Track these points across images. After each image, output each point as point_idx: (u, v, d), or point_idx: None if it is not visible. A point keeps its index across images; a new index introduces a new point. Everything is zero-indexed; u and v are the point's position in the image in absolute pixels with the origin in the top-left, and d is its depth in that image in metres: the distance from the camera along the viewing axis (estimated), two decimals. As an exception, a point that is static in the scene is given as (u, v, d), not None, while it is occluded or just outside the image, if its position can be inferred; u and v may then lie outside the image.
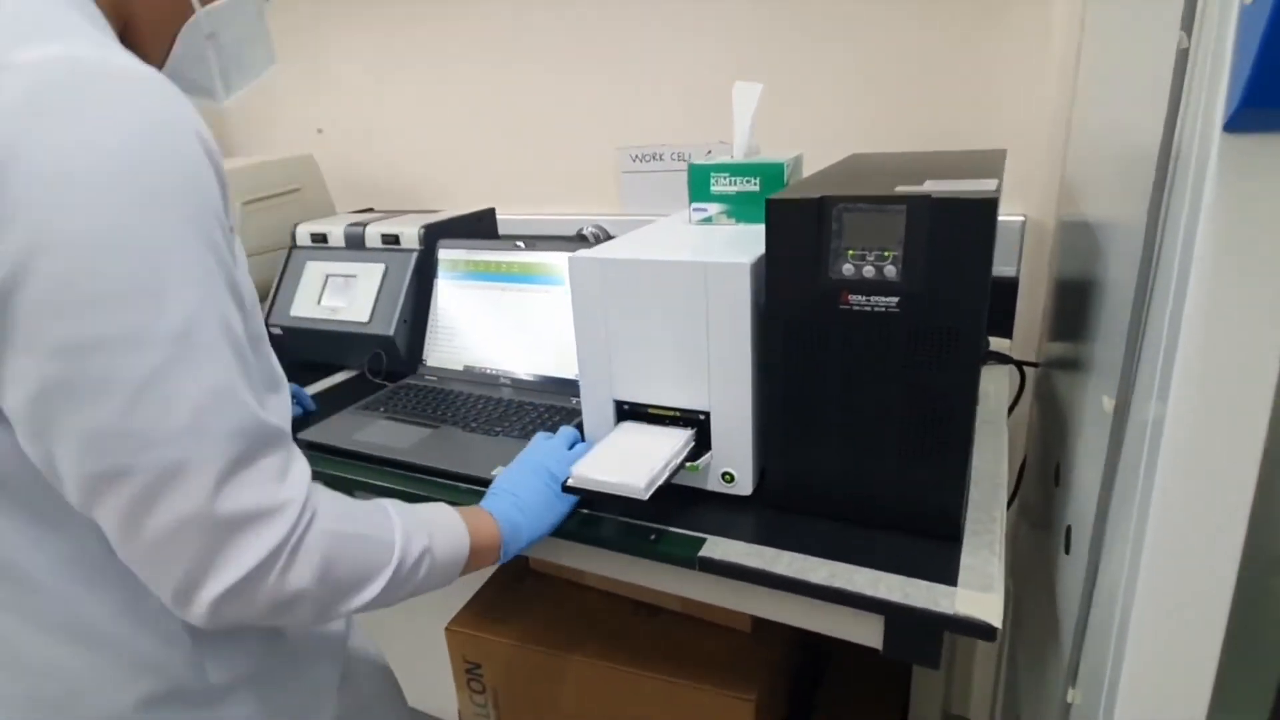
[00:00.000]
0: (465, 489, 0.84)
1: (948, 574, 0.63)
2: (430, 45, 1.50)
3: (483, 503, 0.71)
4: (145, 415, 0.45)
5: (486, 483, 0.81)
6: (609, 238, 1.42)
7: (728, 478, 0.75)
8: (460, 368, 1.12)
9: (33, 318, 0.44)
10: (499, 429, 0.94)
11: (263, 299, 1.33)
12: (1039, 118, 1.08)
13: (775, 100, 1.25)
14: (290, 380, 1.18)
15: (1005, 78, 1.08)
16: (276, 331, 1.24)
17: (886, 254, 0.61)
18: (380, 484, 0.87)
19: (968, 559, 0.65)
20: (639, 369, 0.75)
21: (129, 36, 0.58)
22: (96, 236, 0.44)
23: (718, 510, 0.75)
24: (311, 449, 0.96)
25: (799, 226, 0.63)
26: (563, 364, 1.03)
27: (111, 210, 0.44)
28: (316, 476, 0.92)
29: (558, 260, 1.05)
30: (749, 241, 0.76)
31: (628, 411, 0.78)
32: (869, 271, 0.62)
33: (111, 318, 0.44)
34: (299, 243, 1.28)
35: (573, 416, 0.96)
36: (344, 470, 0.91)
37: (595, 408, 0.80)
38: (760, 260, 0.68)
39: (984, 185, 0.61)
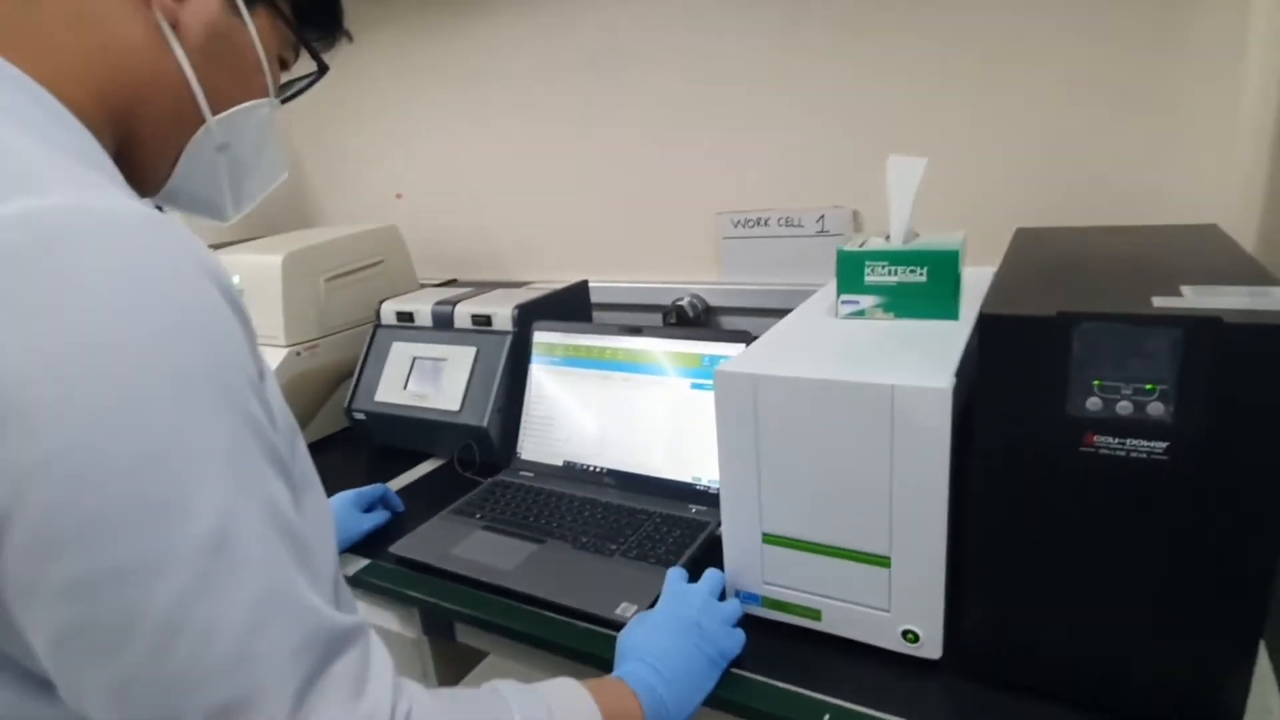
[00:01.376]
0: (593, 630, 0.72)
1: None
2: (513, 104, 1.44)
3: (619, 670, 0.60)
4: (182, 653, 0.35)
5: (614, 624, 0.70)
6: (707, 309, 1.32)
7: (911, 637, 0.62)
8: (559, 463, 1.01)
9: (27, 559, 0.34)
10: (614, 546, 0.83)
11: (344, 378, 1.26)
12: (1231, 185, 0.93)
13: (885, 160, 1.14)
14: (373, 472, 1.11)
15: (1185, 139, 0.94)
16: (360, 417, 1.16)
17: (1150, 388, 0.48)
18: (483, 616, 0.77)
19: (1260, 773, 0.50)
20: (797, 501, 0.63)
21: (128, 152, 0.49)
22: (94, 444, 0.34)
23: (898, 675, 0.62)
24: (406, 566, 0.86)
25: (1024, 349, 0.51)
26: (676, 463, 0.92)
27: (111, 404, 0.34)
28: (410, 601, 0.83)
29: (665, 347, 0.94)
30: (925, 345, 0.64)
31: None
32: (1124, 408, 0.49)
33: (124, 542, 0.34)
34: (384, 321, 1.21)
35: (693, 529, 0.84)
36: (442, 595, 0.80)
37: (740, 539, 0.68)
38: (957, 377, 0.55)
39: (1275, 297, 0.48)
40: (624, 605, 0.72)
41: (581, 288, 1.23)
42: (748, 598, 0.69)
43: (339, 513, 0.89)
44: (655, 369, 0.96)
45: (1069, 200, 1.03)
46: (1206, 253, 0.63)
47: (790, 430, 0.61)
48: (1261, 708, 0.53)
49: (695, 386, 0.92)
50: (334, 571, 0.52)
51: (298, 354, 1.20)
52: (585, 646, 0.70)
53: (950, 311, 0.71)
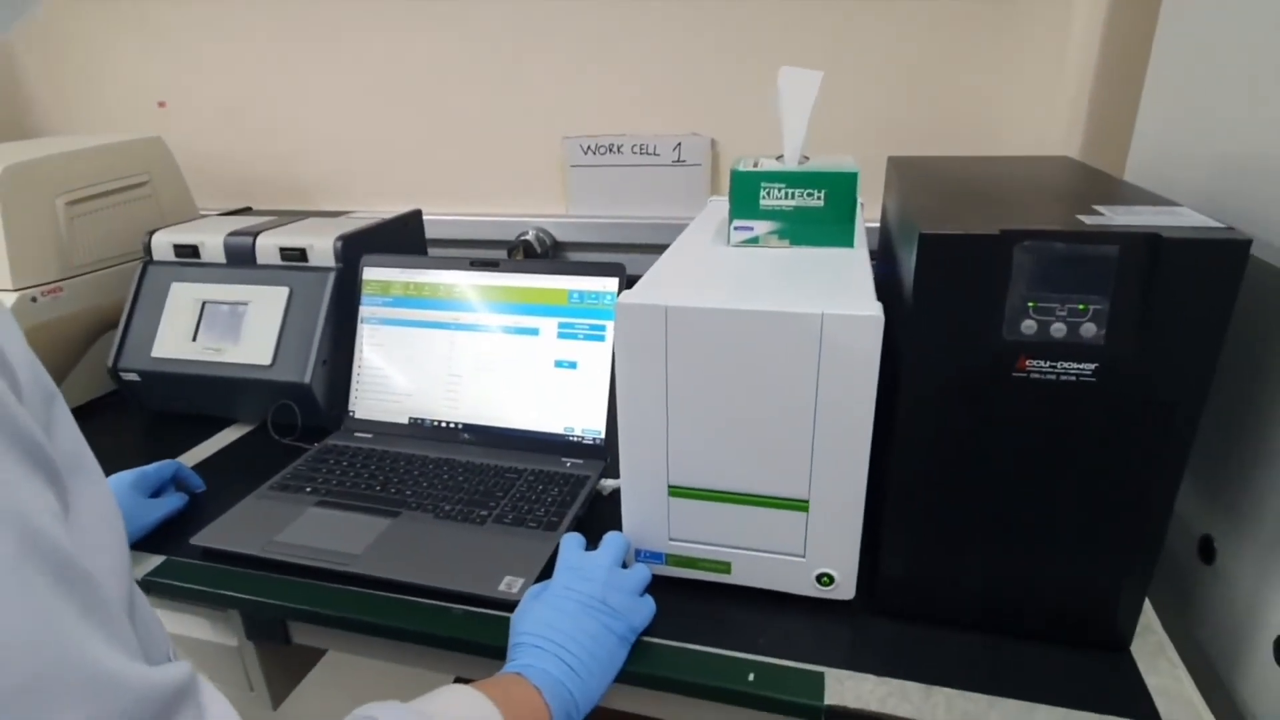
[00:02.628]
0: (470, 613, 0.62)
1: (1138, 704, 0.50)
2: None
3: (517, 662, 0.50)
4: None
5: (499, 603, 0.60)
6: (555, 245, 1.21)
7: (825, 580, 0.59)
8: (403, 420, 0.87)
9: None
10: (484, 512, 0.72)
11: (103, 330, 1.00)
12: (1055, 121, 0.98)
13: (748, 87, 1.08)
14: (153, 448, 0.89)
15: (1017, 79, 0.98)
16: (132, 378, 0.93)
17: (1083, 308, 0.46)
18: (329, 610, 0.63)
19: (1152, 679, 0.52)
20: (709, 447, 0.57)
21: None
22: None
23: (815, 621, 0.59)
24: (216, 559, 0.69)
25: (963, 271, 0.47)
26: (544, 414, 0.82)
27: None
28: (225, 602, 0.67)
29: (525, 283, 0.83)
30: (834, 274, 0.59)
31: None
32: (1058, 330, 0.47)
33: None
34: (157, 256, 0.97)
35: (572, 486, 0.75)
36: (271, 593, 0.65)
37: (642, 495, 0.60)
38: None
39: (1196, 219, 0.48)
40: (508, 580, 0.62)
41: (414, 218, 1.07)
42: (650, 556, 0.63)
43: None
44: (515, 308, 0.84)
45: (917, 132, 1.04)
46: (1089, 178, 0.65)
47: (706, 369, 0.54)
48: (1144, 627, 0.56)
49: (564, 327, 0.82)
50: (128, 590, 0.37)
51: (33, 300, 0.92)
52: (467, 633, 0.60)
53: (846, 238, 0.67)
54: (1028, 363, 0.48)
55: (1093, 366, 0.47)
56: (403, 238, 1.05)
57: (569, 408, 0.81)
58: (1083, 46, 0.93)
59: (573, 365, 0.81)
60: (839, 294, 0.54)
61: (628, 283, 0.81)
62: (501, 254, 1.19)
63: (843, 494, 0.55)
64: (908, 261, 0.51)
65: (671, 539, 0.61)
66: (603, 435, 0.80)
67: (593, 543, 0.62)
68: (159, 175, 1.11)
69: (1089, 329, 0.47)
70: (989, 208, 0.55)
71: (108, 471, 0.75)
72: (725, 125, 1.11)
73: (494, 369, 0.84)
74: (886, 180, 0.83)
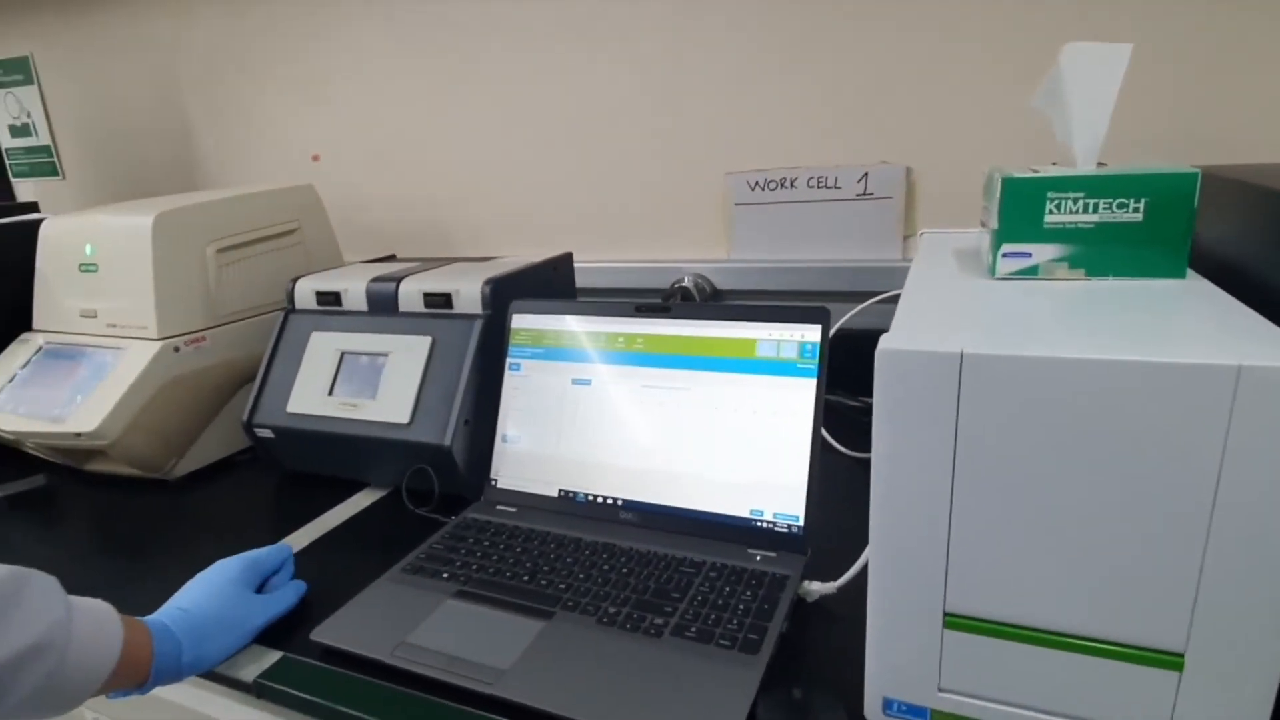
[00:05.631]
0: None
1: None
2: (460, 42, 1.15)
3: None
4: None
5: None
6: (715, 292, 1.07)
7: (1205, 781, 0.38)
8: (552, 493, 0.74)
9: None
10: (661, 620, 0.56)
11: (245, 383, 0.95)
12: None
13: (949, 105, 0.90)
14: (284, 511, 0.80)
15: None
16: (266, 434, 0.85)
17: None
18: (471, 747, 0.49)
19: None
20: (1016, 561, 0.39)
21: None
22: None
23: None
24: (339, 661, 0.56)
25: None
26: (725, 492, 0.66)
27: None
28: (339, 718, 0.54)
29: (703, 332, 0.69)
30: (1198, 315, 0.41)
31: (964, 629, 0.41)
32: None
33: None
34: (299, 304, 0.90)
35: (768, 587, 0.58)
36: (393, 710, 0.52)
37: (900, 622, 0.42)
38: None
39: None
40: (706, 729, 0.46)
41: (565, 261, 0.96)
42: (908, 711, 0.44)
43: (216, 601, 0.58)
44: (690, 361, 0.69)
45: (1201, 142, 0.83)
46: None
47: (1020, 446, 0.37)
48: None
49: (751, 385, 0.66)
50: None
51: (176, 350, 0.88)
52: (652, 806, 0.43)
53: (1175, 267, 0.48)
54: None
55: None
56: (553, 284, 0.94)
57: (757, 486, 0.65)
58: None
59: (762, 433, 0.65)
60: (1240, 338, 0.36)
61: (831, 336, 0.65)
62: (656, 303, 1.06)
63: (1246, 645, 0.35)
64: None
65: (943, 690, 0.43)
66: (801, 522, 0.63)
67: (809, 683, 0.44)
68: (309, 223, 1.07)
69: None
70: None
71: (230, 540, 0.66)
72: (922, 151, 0.94)
73: (663, 435, 0.69)
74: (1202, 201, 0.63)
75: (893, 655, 0.43)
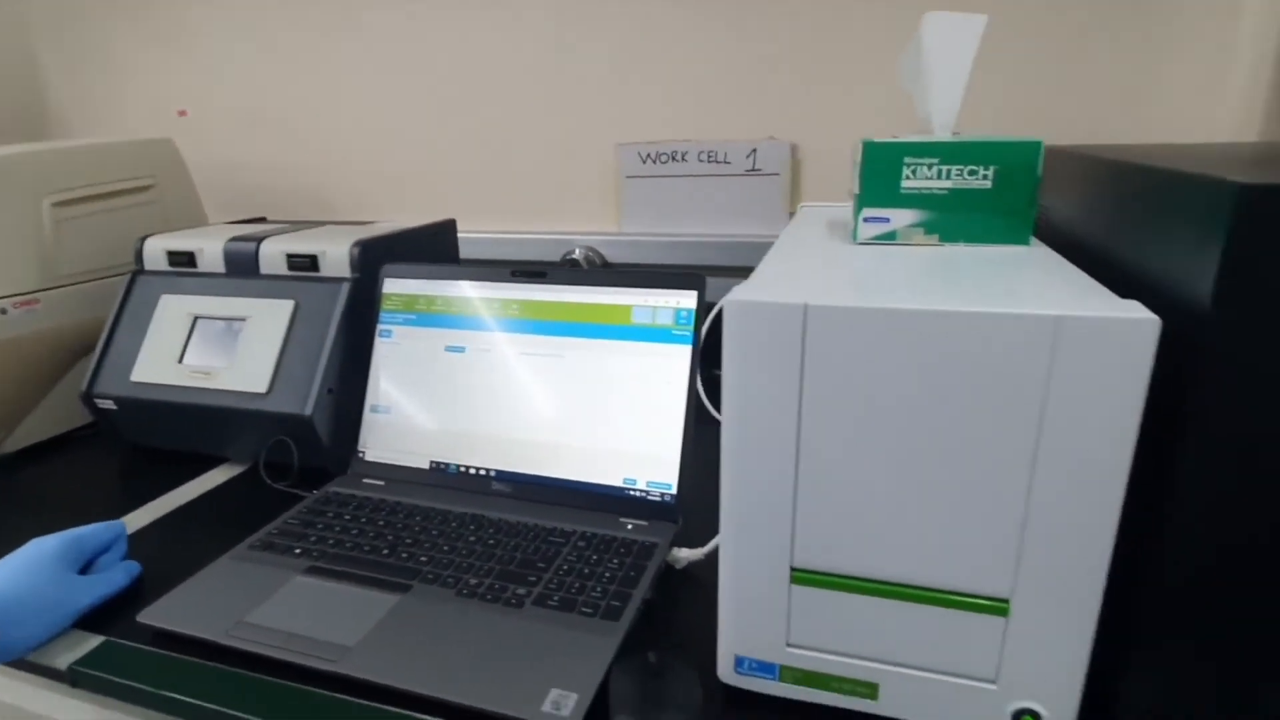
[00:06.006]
0: (488, 742, 0.43)
1: None
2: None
3: None
4: None
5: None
6: (605, 265, 1.05)
7: (1027, 719, 0.39)
8: (424, 465, 0.70)
9: None
10: (522, 591, 0.54)
11: (89, 352, 0.86)
12: (1223, 106, 0.81)
13: (835, 82, 0.91)
14: (129, 489, 0.73)
15: (1175, 56, 0.81)
16: (108, 405, 0.78)
17: None
18: (308, 728, 0.45)
19: None
20: (859, 514, 0.39)
21: None
22: None
23: (1008, 783, 0.40)
24: (168, 644, 0.52)
25: (1310, 244, 0.30)
26: (597, 461, 0.65)
27: None
28: (174, 708, 0.49)
29: (580, 298, 0.67)
30: (1035, 275, 0.42)
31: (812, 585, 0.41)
32: None
33: None
34: (149, 265, 0.83)
35: (636, 555, 0.57)
36: (230, 694, 0.48)
37: (750, 579, 0.42)
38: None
39: None
40: (556, 696, 0.44)
41: (447, 228, 0.92)
42: (755, 667, 0.44)
43: (29, 581, 0.52)
44: (566, 328, 0.68)
45: (1051, 122, 0.87)
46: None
47: (861, 399, 0.37)
48: None
49: (627, 353, 0.65)
50: None
51: (3, 312, 0.79)
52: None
53: (1021, 232, 0.50)
54: None
55: None
56: (433, 251, 0.90)
57: (630, 455, 0.64)
58: (1260, 13, 0.76)
59: (638, 401, 0.64)
60: (1065, 294, 0.37)
61: (708, 305, 0.65)
62: (545, 275, 1.03)
63: (1070, 590, 0.37)
64: (1182, 244, 0.34)
65: (791, 645, 0.43)
66: (674, 490, 0.62)
67: (669, 647, 0.44)
68: (166, 180, 0.98)
69: None
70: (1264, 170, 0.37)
71: (67, 522, 0.60)
72: (808, 128, 0.95)
73: (537, 404, 0.67)
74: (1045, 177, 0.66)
75: (743, 613, 0.43)
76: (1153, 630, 0.37)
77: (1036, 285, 0.39)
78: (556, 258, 1.05)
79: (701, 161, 0.99)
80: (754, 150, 0.97)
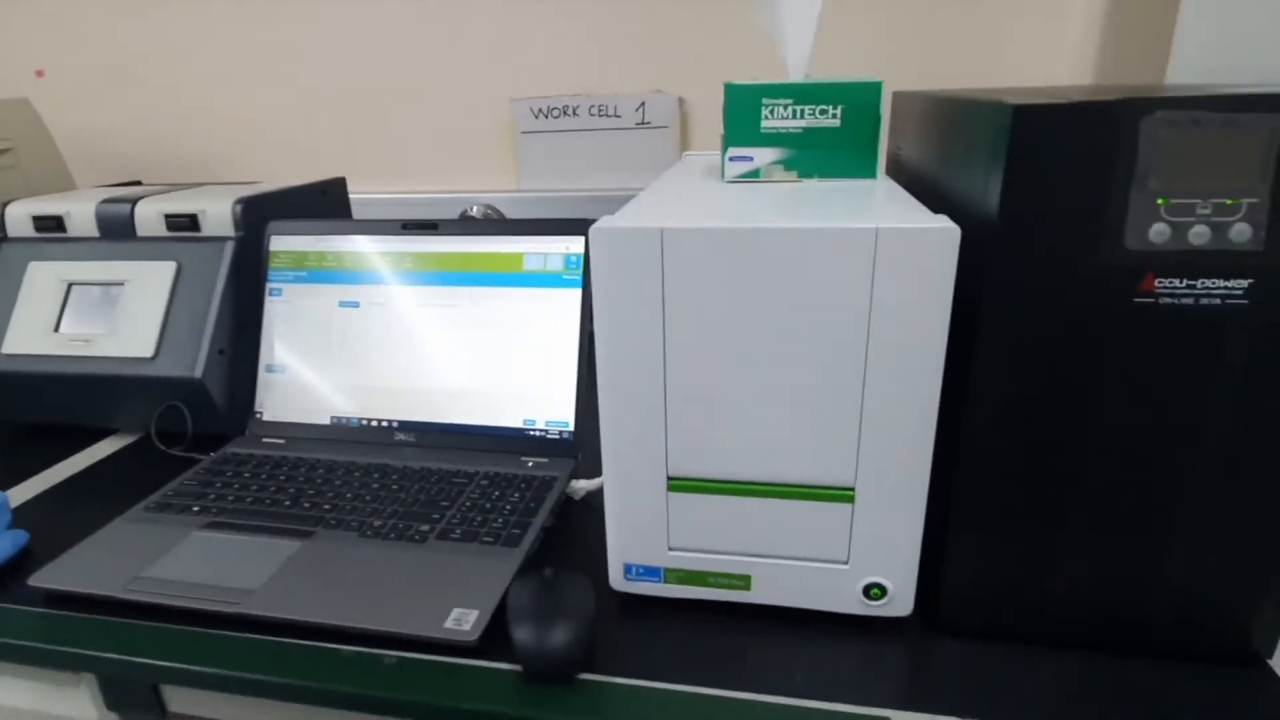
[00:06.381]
0: (408, 660, 0.46)
1: (1303, 733, 0.38)
2: (219, -52, 1.04)
3: None
4: None
5: (445, 646, 0.44)
6: (504, 223, 1.06)
7: (876, 593, 0.45)
8: (324, 420, 0.71)
9: None
10: (426, 526, 0.56)
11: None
12: (1060, 52, 0.89)
13: (719, 37, 0.94)
14: (11, 470, 0.71)
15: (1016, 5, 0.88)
16: (-24, 381, 0.74)
17: (1232, 203, 0.34)
18: (216, 670, 0.47)
19: (1313, 699, 0.40)
20: (722, 422, 0.43)
21: None
22: None
23: (863, 648, 0.45)
24: (63, 604, 0.52)
25: (1070, 159, 0.35)
26: (497, 405, 0.67)
27: None
28: (76, 663, 0.50)
29: (471, 248, 0.69)
30: (869, 201, 0.47)
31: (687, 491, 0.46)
32: (1199, 235, 0.35)
33: None
34: (13, 232, 0.79)
35: (536, 489, 0.60)
36: (135, 648, 0.48)
37: (632, 492, 0.46)
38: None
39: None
40: (457, 614, 0.47)
41: (337, 186, 0.91)
42: (644, 573, 0.48)
43: None
44: (459, 278, 0.69)
45: (906, 69, 0.93)
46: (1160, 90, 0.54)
47: (717, 315, 0.41)
48: None
49: (520, 299, 0.67)
50: None
51: None
52: (404, 690, 0.44)
53: (868, 167, 0.55)
54: (1156, 282, 0.36)
55: (1245, 284, 0.35)
56: (323, 211, 0.88)
57: (529, 397, 0.67)
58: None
59: (533, 345, 0.67)
60: (888, 213, 0.41)
61: (596, 244, 0.67)
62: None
63: (901, 475, 0.42)
64: (980, 164, 0.39)
65: (672, 548, 0.47)
66: (571, 428, 0.66)
67: (565, 565, 0.47)
68: (25, 144, 0.92)
69: (1241, 231, 0.34)
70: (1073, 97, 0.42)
71: None
72: (694, 81, 0.99)
73: (434, 353, 0.69)
74: (894, 120, 0.71)
75: (628, 523, 0.47)
76: (963, 510, 0.42)
77: (867, 207, 0.43)
78: (455, 215, 1.05)
79: (593, 115, 1.01)
80: (643, 104, 1.00)
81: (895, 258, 0.38)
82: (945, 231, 0.37)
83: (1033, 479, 0.41)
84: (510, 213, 1.06)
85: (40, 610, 0.52)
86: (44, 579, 0.52)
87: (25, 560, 0.57)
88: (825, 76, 0.57)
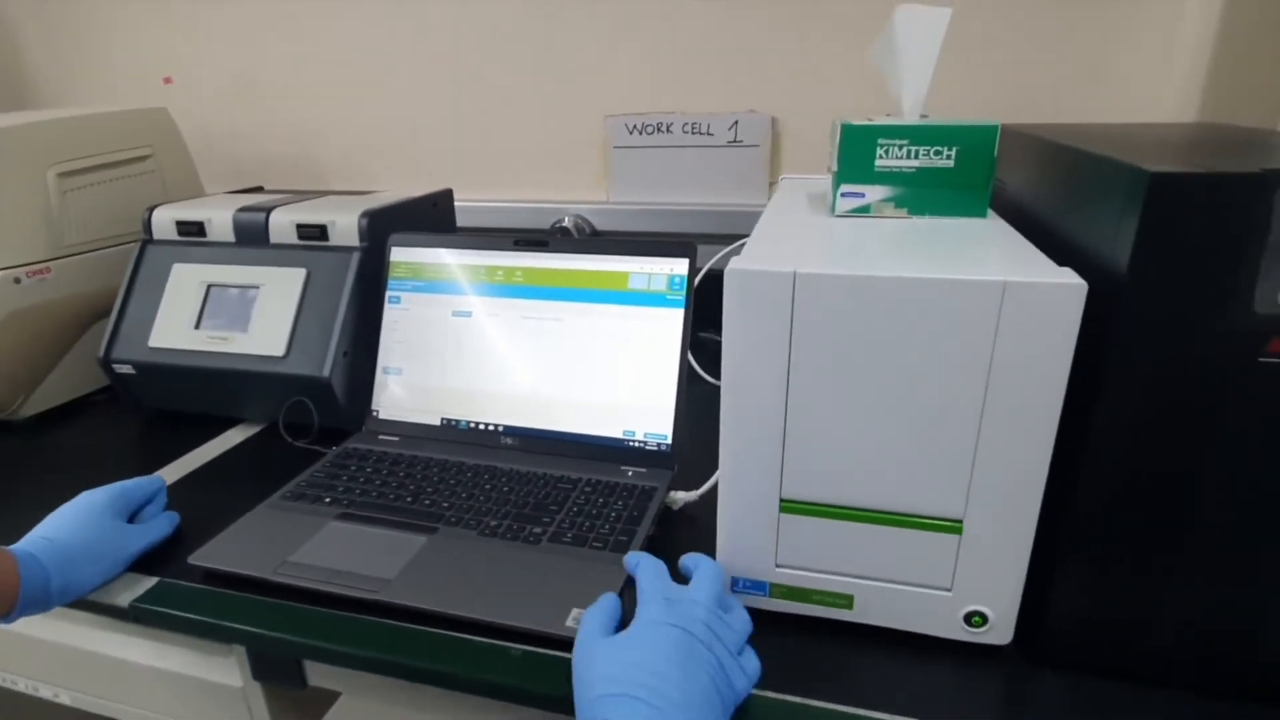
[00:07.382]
0: (531, 654, 0.50)
1: None
2: (338, -33, 1.10)
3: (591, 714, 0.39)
4: None
5: (567, 643, 0.48)
6: (595, 233, 1.10)
7: (977, 620, 0.47)
8: (435, 421, 0.76)
9: None
10: (538, 530, 0.61)
11: (98, 317, 0.90)
12: (1168, 87, 0.88)
13: (812, 58, 0.97)
14: (150, 449, 0.78)
15: (1125, 37, 0.88)
16: (126, 370, 0.82)
17: (1366, 272, 0.35)
18: (361, 651, 0.52)
19: None
20: (838, 452, 0.46)
21: None
22: None
23: (960, 673, 0.48)
24: (218, 582, 0.57)
25: (1205, 224, 0.36)
26: (599, 415, 0.71)
27: None
28: (228, 636, 0.55)
29: (579, 265, 0.72)
30: (986, 245, 0.48)
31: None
32: (1330, 302, 0.36)
33: None
34: (157, 235, 0.86)
35: (638, 499, 0.64)
36: (285, 626, 0.54)
37: (745, 510, 0.49)
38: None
39: None
40: (577, 614, 0.51)
41: (445, 198, 0.96)
42: (750, 586, 0.51)
43: (84, 531, 0.57)
44: (566, 294, 0.73)
45: (1008, 103, 0.94)
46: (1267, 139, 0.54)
47: (841, 353, 0.43)
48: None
49: (624, 316, 0.71)
50: None
51: (17, 280, 0.82)
52: (528, 681, 0.48)
53: (979, 206, 0.56)
54: (1281, 345, 0.37)
55: (1374, 350, 0.36)
56: (432, 219, 0.94)
57: (629, 409, 0.70)
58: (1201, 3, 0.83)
59: (634, 360, 0.70)
60: (1011, 262, 0.43)
61: (698, 270, 0.70)
62: (537, 242, 1.08)
63: (1011, 511, 0.44)
64: (1109, 222, 0.40)
65: (779, 565, 0.50)
66: (669, 440, 0.69)
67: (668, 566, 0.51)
68: (163, 150, 1.00)
69: (1373, 300, 0.36)
70: (1199, 154, 0.44)
71: (87, 478, 0.65)
72: (786, 101, 1.01)
73: (541, 364, 0.73)
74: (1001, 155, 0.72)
75: (739, 539, 0.50)
76: (1074, 547, 0.44)
77: (988, 254, 0.45)
78: (547, 225, 1.09)
79: (686, 133, 1.04)
80: (736, 122, 1.02)
81: (1021, 309, 0.40)
82: (1072, 288, 0.39)
83: (1145, 520, 0.42)
84: (600, 224, 1.10)
85: (200, 586, 0.58)
86: (202, 558, 0.58)
87: (178, 538, 0.64)
88: (927, 107, 0.59)
